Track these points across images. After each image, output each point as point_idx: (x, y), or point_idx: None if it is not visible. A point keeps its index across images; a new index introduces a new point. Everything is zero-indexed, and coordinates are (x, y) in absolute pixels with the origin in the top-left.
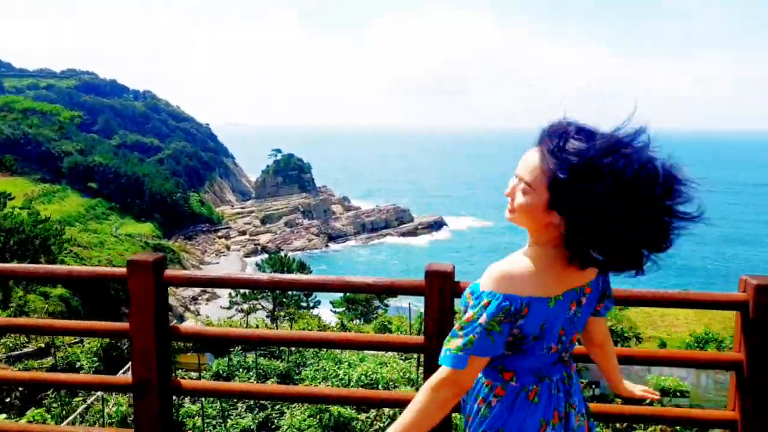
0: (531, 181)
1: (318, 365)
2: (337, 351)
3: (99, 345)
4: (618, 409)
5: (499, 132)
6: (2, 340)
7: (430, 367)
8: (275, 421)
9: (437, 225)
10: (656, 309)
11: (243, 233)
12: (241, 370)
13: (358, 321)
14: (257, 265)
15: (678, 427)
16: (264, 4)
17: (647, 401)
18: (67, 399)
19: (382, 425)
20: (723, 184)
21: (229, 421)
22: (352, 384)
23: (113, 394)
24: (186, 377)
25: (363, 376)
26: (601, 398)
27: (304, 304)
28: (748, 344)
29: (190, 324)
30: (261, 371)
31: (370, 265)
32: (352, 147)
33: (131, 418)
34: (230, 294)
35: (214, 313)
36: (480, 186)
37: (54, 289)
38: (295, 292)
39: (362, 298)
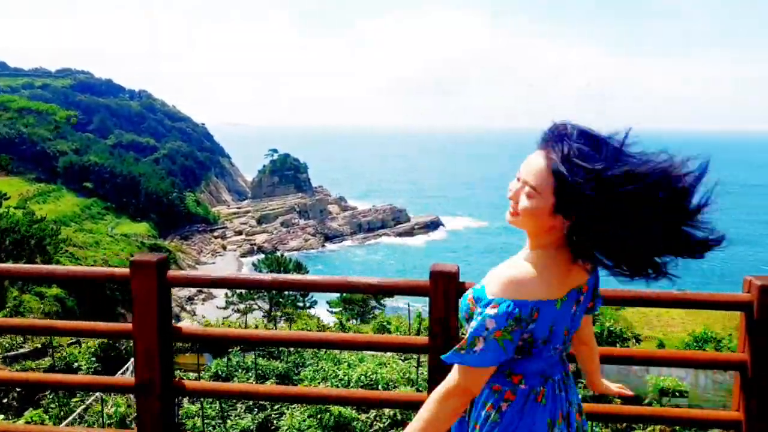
0: (537, 185)
1: (317, 366)
2: (336, 351)
3: (97, 345)
4: (619, 409)
5: (499, 132)
6: None
7: (435, 368)
8: (274, 421)
9: (434, 225)
10: (652, 309)
11: (239, 233)
12: (240, 370)
13: (354, 321)
14: (254, 265)
15: (677, 428)
16: (264, 4)
17: (646, 401)
18: (65, 400)
19: (382, 425)
20: (722, 185)
21: (228, 421)
22: (351, 384)
23: (111, 394)
24: (185, 378)
25: (363, 377)
26: (601, 398)
27: (301, 304)
28: (753, 345)
29: (193, 324)
30: (260, 372)
31: (367, 265)
32: (352, 147)
33: (129, 419)
34: (226, 294)
35: (210, 314)
36: (479, 186)
37: (49, 290)
38: (291, 292)
39: (359, 298)
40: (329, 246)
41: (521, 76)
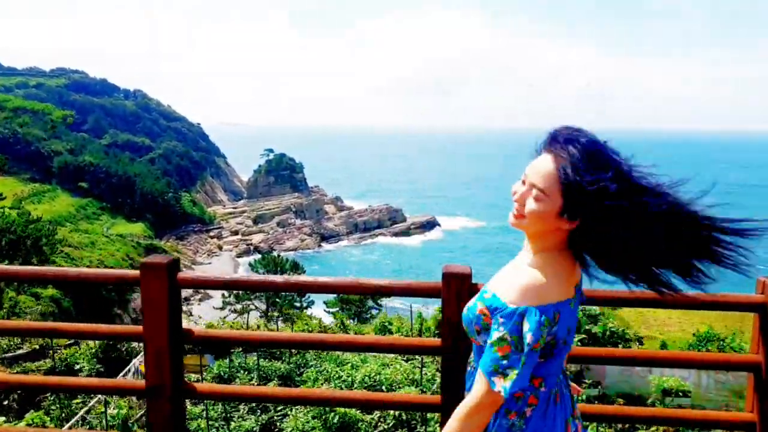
0: (545, 187)
1: (320, 367)
2: (339, 352)
3: (97, 347)
4: (626, 410)
5: (499, 132)
6: None
7: (448, 370)
8: (278, 423)
9: (430, 225)
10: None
11: (235, 233)
12: (241, 371)
13: (351, 321)
14: (250, 265)
15: (680, 428)
16: (264, 4)
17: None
18: (66, 401)
19: (386, 427)
20: (722, 185)
21: (232, 423)
22: (355, 386)
23: (113, 396)
24: (187, 379)
25: (366, 378)
26: (602, 398)
27: (298, 304)
28: (767, 346)
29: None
30: (262, 373)
31: (363, 265)
32: (351, 147)
33: (132, 421)
34: (223, 294)
35: (206, 314)
36: (479, 186)
37: (45, 290)
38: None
39: (356, 299)
40: (325, 246)
41: (521, 76)
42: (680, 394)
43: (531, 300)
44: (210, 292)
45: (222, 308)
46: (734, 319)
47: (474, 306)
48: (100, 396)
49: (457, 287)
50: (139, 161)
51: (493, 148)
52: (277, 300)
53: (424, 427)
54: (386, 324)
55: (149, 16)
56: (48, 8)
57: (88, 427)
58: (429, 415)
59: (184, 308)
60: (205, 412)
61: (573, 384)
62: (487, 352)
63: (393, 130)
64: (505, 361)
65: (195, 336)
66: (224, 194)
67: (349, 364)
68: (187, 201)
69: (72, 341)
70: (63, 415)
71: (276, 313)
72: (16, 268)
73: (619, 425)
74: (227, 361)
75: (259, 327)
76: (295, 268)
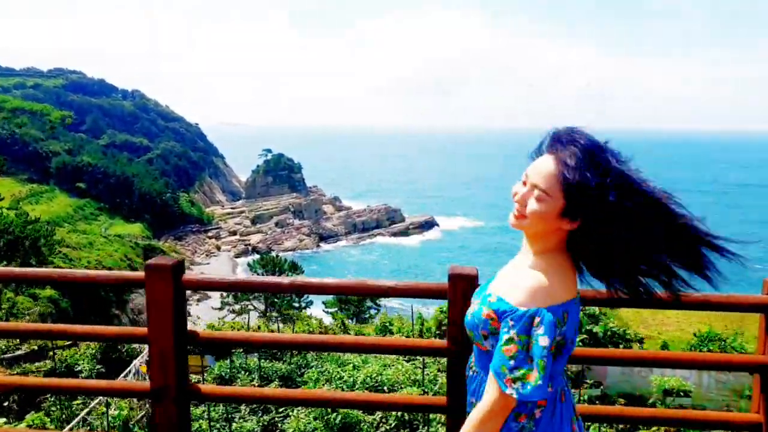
0: (547, 188)
1: (321, 367)
2: (339, 352)
3: (97, 348)
4: (627, 411)
5: (499, 132)
6: None
7: (454, 371)
8: (279, 424)
9: (428, 225)
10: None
11: (233, 233)
12: (242, 372)
13: (350, 321)
14: (249, 265)
15: (682, 429)
16: (264, 4)
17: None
18: (66, 403)
19: (388, 428)
20: (722, 185)
21: (233, 424)
22: (357, 386)
23: (114, 397)
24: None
25: (368, 378)
26: (603, 398)
27: (297, 305)
28: None
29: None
30: (263, 374)
31: (361, 265)
32: (351, 147)
33: (132, 422)
34: (222, 294)
35: (204, 314)
36: (478, 186)
37: (43, 291)
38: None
39: (354, 299)
40: (324, 246)
41: (521, 76)
42: (681, 394)
43: (540, 302)
44: (208, 292)
45: (220, 308)
46: (734, 319)
47: (479, 310)
48: (101, 397)
49: (464, 288)
50: (137, 161)
51: (493, 148)
52: (276, 300)
53: (426, 427)
54: (387, 324)
55: (149, 16)
56: (47, 8)
57: (89, 428)
58: (431, 416)
59: None
60: (206, 413)
61: None
62: (497, 354)
63: (393, 130)
64: (512, 362)
65: (200, 338)
66: (222, 194)
67: (351, 365)
68: (185, 201)
69: (71, 342)
70: (63, 416)
71: (275, 314)
72: (22, 270)
73: (621, 426)
74: (228, 362)
75: (260, 327)
76: (294, 268)
